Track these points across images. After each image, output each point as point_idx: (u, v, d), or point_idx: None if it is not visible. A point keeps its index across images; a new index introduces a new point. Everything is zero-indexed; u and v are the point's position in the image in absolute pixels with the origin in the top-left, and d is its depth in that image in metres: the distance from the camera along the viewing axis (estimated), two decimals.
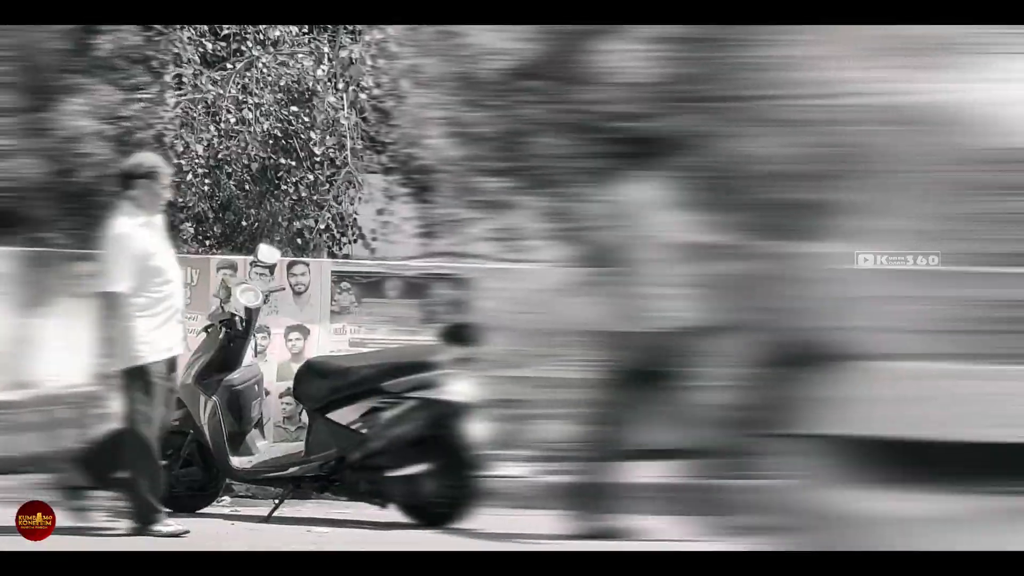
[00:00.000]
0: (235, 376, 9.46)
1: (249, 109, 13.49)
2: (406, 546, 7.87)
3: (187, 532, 8.19)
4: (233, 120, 13.47)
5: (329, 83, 13.62)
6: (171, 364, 8.46)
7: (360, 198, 14.01)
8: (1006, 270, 10.55)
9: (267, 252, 9.95)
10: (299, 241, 13.32)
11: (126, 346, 8.21)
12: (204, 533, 8.32)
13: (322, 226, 13.52)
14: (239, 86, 13.59)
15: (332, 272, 11.15)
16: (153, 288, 8.27)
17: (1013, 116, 11.48)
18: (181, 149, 13.05)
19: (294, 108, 13.46)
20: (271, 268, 10.48)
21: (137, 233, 8.29)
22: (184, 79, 13.46)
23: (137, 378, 8.23)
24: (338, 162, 13.63)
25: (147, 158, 8.66)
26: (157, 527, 8.18)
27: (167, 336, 8.36)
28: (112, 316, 8.19)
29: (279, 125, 13.39)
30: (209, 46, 13.81)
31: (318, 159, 13.47)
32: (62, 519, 7.64)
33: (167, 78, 13.08)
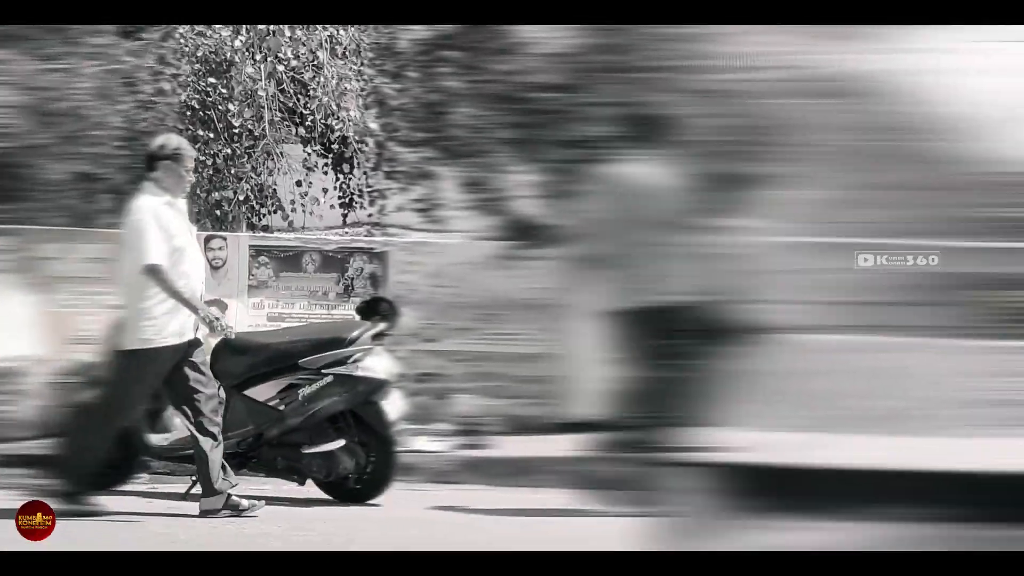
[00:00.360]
0: None
1: (166, 80, 13.41)
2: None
3: (105, 513, 8.21)
4: (150, 91, 13.38)
5: (247, 54, 13.57)
6: (190, 346, 8.36)
7: (279, 169, 13.99)
8: (922, 242, 10.69)
9: None
10: (218, 213, 13.29)
11: (134, 327, 8.17)
12: (122, 510, 8.32)
13: (241, 197, 13.49)
14: (156, 57, 13.51)
15: (250, 246, 11.15)
16: (173, 271, 8.22)
17: (930, 86, 11.61)
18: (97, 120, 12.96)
19: (212, 79, 13.41)
20: None
21: (161, 211, 8.24)
22: (101, 49, 13.36)
23: (134, 361, 8.20)
24: (256, 133, 13.60)
25: (171, 139, 8.58)
26: (80, 505, 8.18)
27: (180, 320, 8.29)
28: (166, 285, 8.13)
29: (196, 96, 13.34)
30: None
31: (236, 131, 13.42)
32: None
33: (84, 48, 12.98)
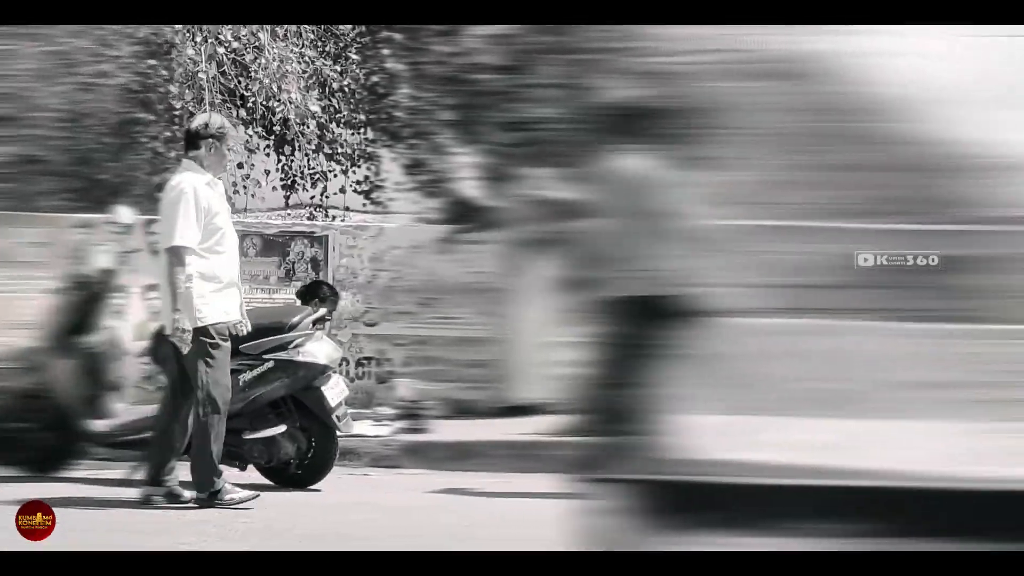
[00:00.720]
0: (91, 338, 9.42)
1: (107, 62, 13.35)
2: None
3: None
4: (91, 72, 13.32)
5: (187, 35, 13.52)
6: (228, 329, 8.32)
7: None
8: (859, 225, 10.76)
9: (124, 212, 9.92)
10: (158, 195, 13.24)
11: (187, 307, 8.09)
12: (61, 497, 8.29)
13: None
14: (96, 38, 13.44)
15: None
16: (213, 249, 8.17)
17: (867, 66, 11.69)
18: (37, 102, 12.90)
19: (152, 61, 13.35)
20: (128, 228, 10.43)
21: (202, 191, 8.18)
22: (41, 30, 13.28)
23: (200, 340, 8.12)
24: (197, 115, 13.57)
25: (215, 119, 8.52)
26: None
27: (226, 299, 8.25)
28: (179, 271, 8.04)
29: (137, 79, 13.28)
30: None
31: (177, 113, 13.38)
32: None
33: (23, 29, 12.90)
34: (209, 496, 8.17)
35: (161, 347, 9.15)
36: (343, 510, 8.26)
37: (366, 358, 11.13)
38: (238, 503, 8.15)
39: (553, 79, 11.93)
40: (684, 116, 8.58)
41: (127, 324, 10.44)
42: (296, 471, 9.01)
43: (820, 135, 12.02)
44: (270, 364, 8.99)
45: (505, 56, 12.10)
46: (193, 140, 8.33)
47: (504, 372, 10.83)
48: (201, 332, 8.11)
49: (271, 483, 9.02)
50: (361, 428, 10.02)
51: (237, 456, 9.05)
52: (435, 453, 9.84)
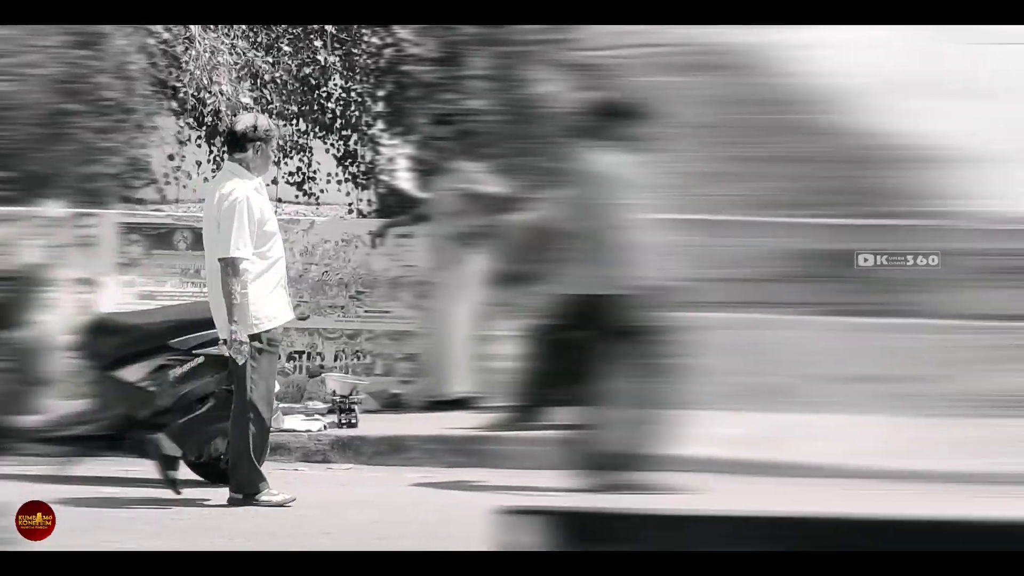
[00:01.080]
0: (19, 333, 9.35)
1: (37, 52, 13.23)
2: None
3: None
4: (20, 63, 13.20)
5: (117, 26, 13.43)
6: (278, 332, 8.34)
7: (151, 142, 13.89)
8: (804, 220, 10.80)
9: (53, 207, 9.88)
10: (88, 187, 13.15)
11: (243, 314, 8.05)
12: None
13: (113, 171, 13.36)
14: (25, 27, 13.32)
15: (121, 223, 11.08)
16: (265, 254, 8.15)
17: (801, 58, 11.74)
18: None
19: (82, 51, 13.24)
20: (58, 221, 10.38)
21: (253, 198, 8.11)
22: None
23: (255, 344, 8.10)
24: (128, 106, 13.47)
25: (262, 120, 8.43)
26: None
27: (278, 302, 8.25)
28: (234, 282, 8.00)
29: (66, 69, 13.17)
30: None
31: (108, 103, 13.28)
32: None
33: None
34: (245, 497, 8.18)
35: (97, 341, 9.12)
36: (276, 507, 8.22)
37: (297, 352, 11.10)
38: (277, 505, 8.15)
39: (485, 71, 11.93)
40: (628, 112, 8.64)
41: (57, 319, 10.36)
42: (226, 467, 8.97)
43: (751, 128, 12.02)
44: (200, 359, 8.96)
45: (437, 48, 12.09)
46: (240, 142, 8.23)
47: (436, 366, 10.82)
48: (255, 338, 8.13)
49: (201, 479, 8.98)
50: (292, 423, 10.01)
51: None
52: (366, 448, 9.83)
